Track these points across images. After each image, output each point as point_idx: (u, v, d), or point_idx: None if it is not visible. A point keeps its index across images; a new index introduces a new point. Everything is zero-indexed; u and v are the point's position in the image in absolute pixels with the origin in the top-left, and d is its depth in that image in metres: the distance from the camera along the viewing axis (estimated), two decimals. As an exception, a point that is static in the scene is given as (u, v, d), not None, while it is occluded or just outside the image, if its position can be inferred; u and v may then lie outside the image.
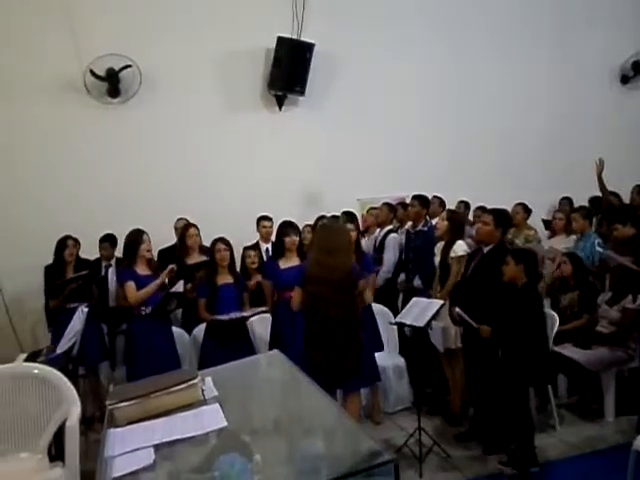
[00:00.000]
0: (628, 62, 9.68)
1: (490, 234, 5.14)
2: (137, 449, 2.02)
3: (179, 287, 5.40)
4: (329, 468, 1.91)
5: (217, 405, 2.21)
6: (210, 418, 2.13)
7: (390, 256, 6.94)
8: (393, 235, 7.08)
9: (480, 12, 9.05)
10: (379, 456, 1.62)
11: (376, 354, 5.76)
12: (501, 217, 5.24)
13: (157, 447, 2.10)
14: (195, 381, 2.27)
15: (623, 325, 5.67)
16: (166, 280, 5.44)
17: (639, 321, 5.35)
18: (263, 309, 5.61)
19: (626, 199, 7.77)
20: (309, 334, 4.80)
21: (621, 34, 9.57)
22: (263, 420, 2.37)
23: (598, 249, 6.18)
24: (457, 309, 4.91)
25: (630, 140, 9.28)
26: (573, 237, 6.99)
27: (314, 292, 4.75)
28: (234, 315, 5.44)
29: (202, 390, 2.30)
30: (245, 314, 5.50)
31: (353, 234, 5.75)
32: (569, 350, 5.61)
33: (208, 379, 2.41)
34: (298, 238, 5.65)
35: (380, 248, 7.09)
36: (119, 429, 2.17)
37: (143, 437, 2.08)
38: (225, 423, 2.10)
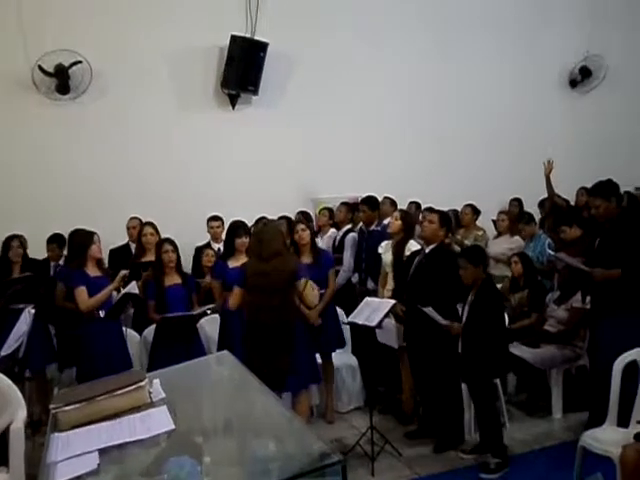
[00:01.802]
0: (577, 67, 9.89)
1: (435, 232, 5.30)
2: (81, 454, 1.98)
3: (133, 288, 5.32)
4: (278, 469, 1.91)
5: (164, 408, 2.18)
6: (157, 421, 2.10)
7: (350, 255, 6.95)
8: (352, 234, 7.11)
9: (436, 15, 9.10)
10: (327, 457, 1.63)
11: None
12: (446, 218, 5.45)
13: (105, 451, 2.06)
14: (142, 383, 2.23)
15: (570, 324, 5.81)
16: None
17: (586, 320, 5.47)
18: (210, 307, 5.59)
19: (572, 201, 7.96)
20: (249, 343, 4.86)
21: (571, 40, 9.76)
22: (212, 422, 2.35)
23: (549, 251, 6.29)
24: (425, 308, 4.97)
25: (578, 143, 9.48)
26: (517, 237, 7.14)
27: (253, 302, 4.85)
28: (183, 313, 5.39)
29: (149, 392, 2.27)
30: (193, 312, 5.46)
31: (306, 234, 5.79)
32: (518, 349, 5.71)
33: (156, 381, 2.37)
34: (248, 239, 5.63)
35: (340, 248, 7.12)
36: (63, 433, 2.12)
37: (88, 441, 2.03)
38: (172, 426, 2.07)
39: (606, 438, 4.23)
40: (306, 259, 5.79)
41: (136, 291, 5.30)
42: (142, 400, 2.23)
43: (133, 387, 2.21)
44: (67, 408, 2.15)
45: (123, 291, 5.28)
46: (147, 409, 2.20)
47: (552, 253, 5.98)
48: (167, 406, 2.19)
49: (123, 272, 5.38)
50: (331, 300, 5.81)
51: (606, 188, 5.09)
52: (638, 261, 4.77)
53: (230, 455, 2.26)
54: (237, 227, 5.73)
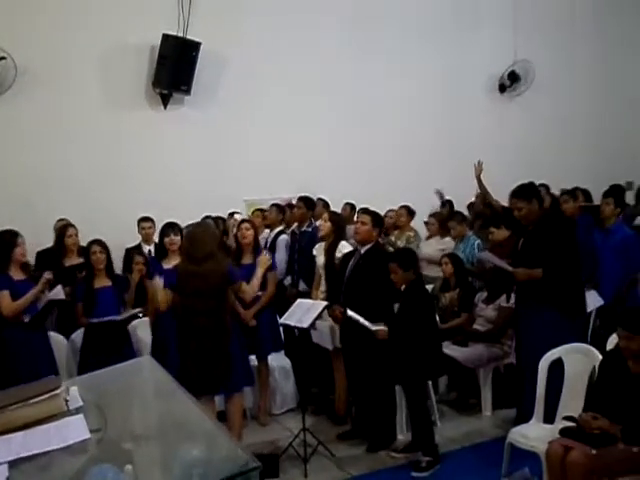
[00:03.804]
0: (505, 72, 10.12)
1: (369, 233, 5.34)
2: (-10, 466, 1.90)
3: (59, 294, 5.16)
4: (198, 476, 1.88)
5: (81, 416, 2.11)
6: (72, 430, 2.03)
7: (282, 257, 6.97)
8: (284, 236, 7.11)
9: (369, 14, 9.15)
10: (244, 463, 1.62)
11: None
12: (378, 218, 5.50)
13: (20, 462, 1.98)
14: (57, 391, 2.15)
15: (499, 323, 5.93)
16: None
17: (513, 319, 5.59)
18: (138, 310, 5.50)
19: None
20: (183, 346, 4.81)
21: (499, 46, 10.00)
22: (134, 429, 2.29)
23: (476, 252, 6.39)
24: (350, 312, 4.98)
25: (507, 146, 9.69)
26: (448, 239, 7.24)
27: (187, 305, 4.77)
28: (111, 317, 5.27)
29: (66, 400, 2.19)
30: (119, 317, 5.34)
31: (250, 233, 5.75)
32: (448, 348, 5.79)
33: (73, 389, 2.29)
34: (178, 237, 5.54)
35: (271, 249, 7.10)
36: (-28, 445, 2.03)
37: (-2, 452, 1.95)
38: (88, 435, 2.01)
39: (533, 434, 4.35)
40: (247, 259, 5.75)
41: (62, 297, 5.15)
42: (58, 409, 2.14)
43: (48, 395, 2.13)
44: (-24, 419, 2.06)
45: (48, 297, 5.12)
46: (63, 418, 2.12)
47: (477, 252, 6.08)
48: (84, 414, 2.12)
49: (47, 276, 5.21)
50: (268, 303, 5.78)
51: (528, 190, 5.22)
52: (558, 261, 4.92)
53: (152, 462, 2.21)
54: (165, 227, 5.66)
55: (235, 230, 6.04)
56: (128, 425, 2.33)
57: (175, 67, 7.83)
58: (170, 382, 2.25)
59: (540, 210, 5.15)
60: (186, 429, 2.11)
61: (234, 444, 1.78)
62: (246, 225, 5.84)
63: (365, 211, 5.61)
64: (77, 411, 2.13)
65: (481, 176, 7.63)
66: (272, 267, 5.92)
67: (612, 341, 4.33)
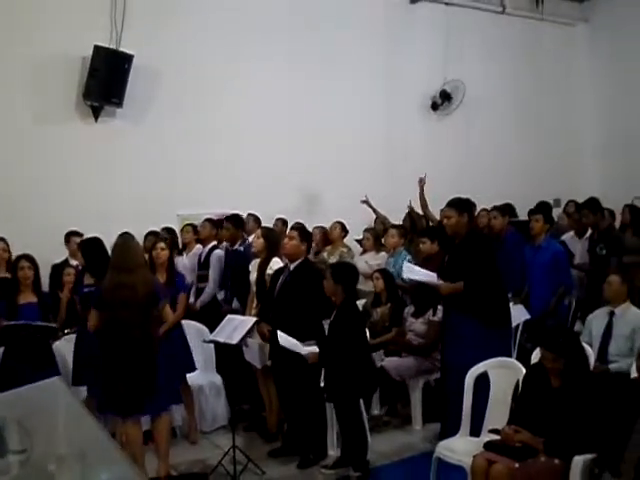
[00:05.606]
0: (438, 91, 10.32)
1: (297, 248, 5.36)
2: None
3: None
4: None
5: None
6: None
7: (215, 273, 6.93)
8: (217, 251, 7.05)
9: (307, 33, 9.18)
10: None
11: (192, 373, 5.77)
12: (305, 232, 5.52)
13: None
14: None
15: (430, 337, 5.98)
16: None
17: (441, 333, 5.66)
18: (53, 325, 5.37)
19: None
20: (111, 364, 4.66)
21: (433, 64, 10.18)
22: (37, 453, 2.20)
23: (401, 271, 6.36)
24: (281, 337, 4.96)
25: (440, 162, 9.82)
26: (383, 254, 7.31)
27: (114, 317, 4.64)
28: (26, 322, 5.11)
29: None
30: (39, 323, 5.17)
31: (164, 253, 5.69)
32: (378, 358, 5.83)
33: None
34: None
35: (205, 264, 7.03)
36: None
37: None
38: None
39: (459, 448, 4.40)
40: (160, 278, 5.67)
41: None
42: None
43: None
44: None
45: None
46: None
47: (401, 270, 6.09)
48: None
49: None
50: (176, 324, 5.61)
51: (462, 204, 5.34)
52: (479, 274, 5.04)
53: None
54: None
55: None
56: (33, 450, 2.23)
57: (107, 79, 7.66)
58: (78, 406, 2.18)
59: (468, 226, 5.27)
60: (91, 454, 2.04)
61: (135, 469, 1.73)
62: (162, 245, 5.79)
63: (293, 226, 5.62)
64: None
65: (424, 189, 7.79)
66: (182, 288, 5.85)
67: (537, 355, 4.43)
